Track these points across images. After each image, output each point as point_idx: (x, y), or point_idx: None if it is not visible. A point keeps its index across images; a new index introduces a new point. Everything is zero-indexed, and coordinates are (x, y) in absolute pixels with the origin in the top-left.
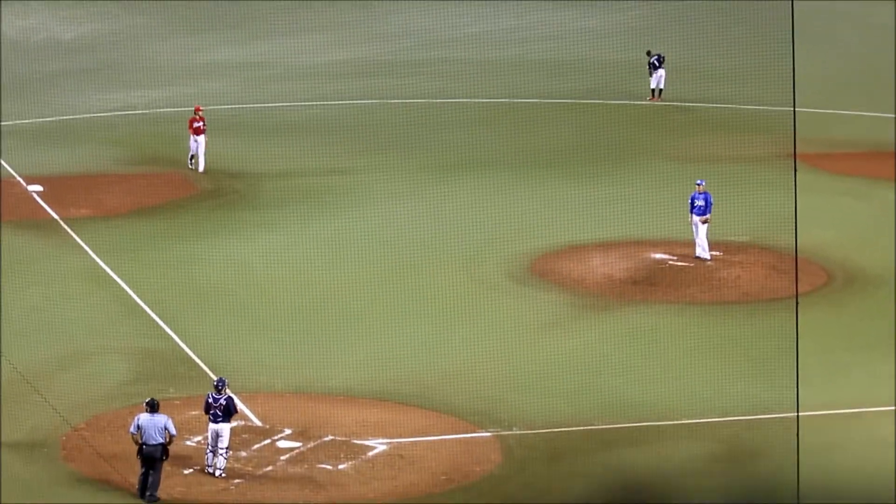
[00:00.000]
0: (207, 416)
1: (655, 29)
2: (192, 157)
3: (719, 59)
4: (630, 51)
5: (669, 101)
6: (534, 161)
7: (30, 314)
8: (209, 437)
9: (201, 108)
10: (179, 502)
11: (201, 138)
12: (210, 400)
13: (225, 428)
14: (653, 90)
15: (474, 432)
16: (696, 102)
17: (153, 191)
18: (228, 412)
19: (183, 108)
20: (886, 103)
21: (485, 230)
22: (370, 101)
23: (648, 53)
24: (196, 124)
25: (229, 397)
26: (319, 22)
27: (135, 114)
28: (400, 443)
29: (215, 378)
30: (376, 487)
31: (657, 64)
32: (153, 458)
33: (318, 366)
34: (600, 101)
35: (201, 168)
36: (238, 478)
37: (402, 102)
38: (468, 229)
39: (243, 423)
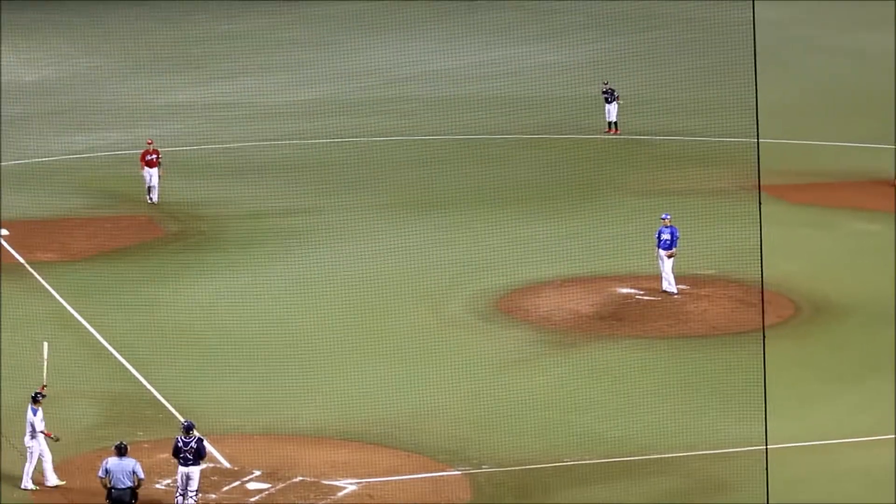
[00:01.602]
0: (177, 460)
1: (615, 63)
2: (150, 188)
3: (680, 92)
4: (590, 85)
5: (631, 135)
6: (497, 198)
7: None
8: (179, 481)
9: (153, 141)
10: None
11: (154, 171)
12: (180, 443)
13: (195, 471)
14: (609, 123)
15: (444, 471)
16: (658, 136)
17: (118, 233)
18: (199, 455)
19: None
20: (849, 132)
21: (450, 268)
22: (333, 140)
23: (605, 83)
24: (149, 157)
25: (199, 439)
26: (281, 62)
27: (98, 156)
28: (370, 483)
29: (183, 421)
30: None
31: (609, 98)
32: (122, 501)
33: (286, 406)
34: (562, 137)
35: (155, 199)
36: None
37: (365, 141)
38: (434, 267)
39: (212, 465)
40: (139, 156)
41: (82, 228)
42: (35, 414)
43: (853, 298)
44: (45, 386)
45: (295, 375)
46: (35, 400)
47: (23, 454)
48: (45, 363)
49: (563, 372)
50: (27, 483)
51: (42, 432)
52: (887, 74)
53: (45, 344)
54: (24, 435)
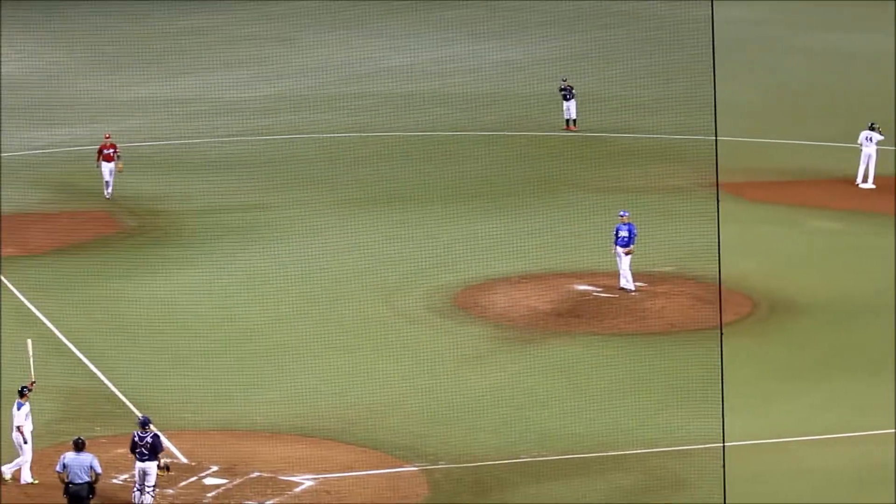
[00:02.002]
0: (134, 455)
1: (573, 60)
2: (106, 182)
3: (639, 89)
4: (548, 82)
5: (590, 132)
6: (454, 194)
7: None
8: (136, 476)
9: (110, 135)
10: None
11: (111, 165)
12: (136, 438)
13: (151, 466)
14: (567, 120)
15: (400, 467)
16: (616, 133)
17: (77, 229)
18: (154, 450)
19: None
20: (809, 131)
21: (407, 264)
22: (291, 136)
23: (564, 80)
24: (106, 151)
25: (155, 435)
26: (241, 58)
27: (58, 152)
28: (326, 478)
29: (139, 416)
30: None
31: (567, 95)
32: (79, 497)
33: (242, 402)
34: (520, 133)
35: (109, 192)
36: None
37: (323, 137)
38: (390, 263)
39: (170, 460)
40: (96, 150)
41: (41, 224)
42: (19, 409)
43: (811, 297)
44: (34, 382)
45: (252, 371)
46: (21, 394)
47: None
48: (32, 359)
49: (520, 368)
50: (6, 473)
51: (17, 427)
52: (849, 74)
53: (29, 341)
54: (11, 431)
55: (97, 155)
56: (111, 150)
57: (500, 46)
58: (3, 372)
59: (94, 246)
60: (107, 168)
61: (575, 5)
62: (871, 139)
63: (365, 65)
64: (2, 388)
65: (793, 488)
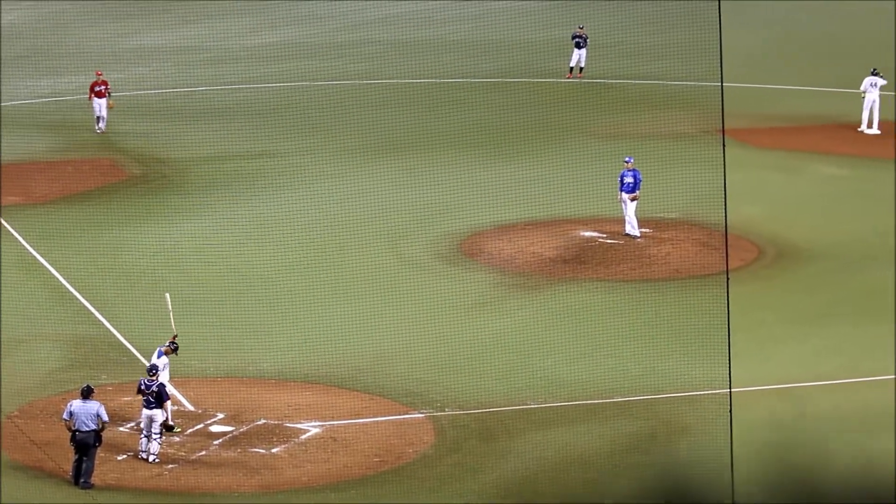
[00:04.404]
0: (142, 399)
1: (579, 7)
2: (98, 118)
3: (644, 35)
4: (554, 28)
5: (594, 79)
6: (460, 141)
7: None
8: (142, 423)
9: (102, 72)
10: (113, 488)
11: (103, 101)
12: (142, 386)
13: (158, 413)
14: (571, 67)
15: (406, 414)
16: (622, 79)
17: (82, 177)
18: (160, 398)
19: (113, 94)
20: (814, 77)
21: (413, 211)
22: (297, 84)
23: (580, 28)
24: (97, 88)
25: (161, 383)
26: (245, 5)
27: (63, 100)
28: (332, 425)
29: (147, 363)
30: (310, 470)
31: (580, 43)
32: (86, 444)
33: (248, 349)
34: (525, 80)
35: (103, 128)
36: (171, 463)
37: (328, 84)
38: (396, 210)
39: (176, 407)
40: (88, 87)
41: (46, 172)
42: (159, 356)
43: (816, 242)
44: (176, 336)
45: (258, 318)
46: (168, 347)
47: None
48: (171, 314)
49: (526, 315)
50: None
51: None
52: (852, 20)
53: (167, 295)
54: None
55: (89, 91)
56: (102, 87)
57: None
58: (4, 319)
59: (99, 194)
60: (98, 104)
61: None
62: (875, 84)
63: (370, 11)
64: (2, 337)
65: (799, 433)
